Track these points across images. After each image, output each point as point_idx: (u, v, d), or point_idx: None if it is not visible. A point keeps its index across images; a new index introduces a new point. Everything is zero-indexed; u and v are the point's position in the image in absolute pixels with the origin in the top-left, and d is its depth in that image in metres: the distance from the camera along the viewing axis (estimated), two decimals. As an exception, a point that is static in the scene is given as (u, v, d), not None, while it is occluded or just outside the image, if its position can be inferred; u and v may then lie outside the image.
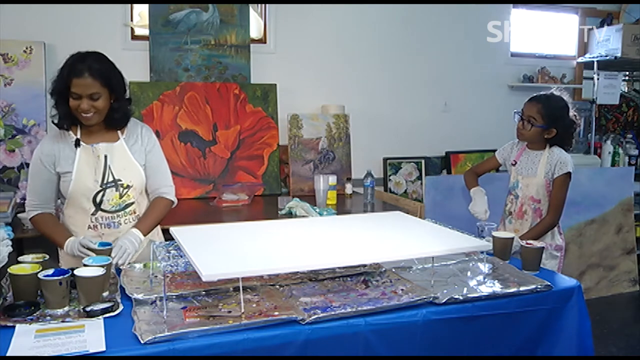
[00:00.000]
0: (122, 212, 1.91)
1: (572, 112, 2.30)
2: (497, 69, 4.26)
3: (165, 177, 2.04)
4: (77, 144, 1.84)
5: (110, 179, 1.87)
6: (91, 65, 1.76)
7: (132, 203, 1.93)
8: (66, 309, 1.39)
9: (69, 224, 1.91)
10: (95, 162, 1.85)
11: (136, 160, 1.92)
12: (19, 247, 2.62)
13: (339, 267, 1.67)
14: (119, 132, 1.91)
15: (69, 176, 1.83)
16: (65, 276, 1.40)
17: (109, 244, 1.71)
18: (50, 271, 1.42)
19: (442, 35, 4.04)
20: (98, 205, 1.86)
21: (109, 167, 1.86)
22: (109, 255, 1.66)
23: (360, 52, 3.85)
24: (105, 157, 1.86)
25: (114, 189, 1.87)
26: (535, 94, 2.34)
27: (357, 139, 3.73)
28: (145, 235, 1.90)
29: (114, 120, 1.87)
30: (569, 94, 4.38)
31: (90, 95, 1.76)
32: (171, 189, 2.05)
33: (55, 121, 1.85)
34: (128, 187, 1.90)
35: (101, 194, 1.86)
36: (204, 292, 1.51)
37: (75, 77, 1.74)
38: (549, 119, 2.26)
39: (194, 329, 1.25)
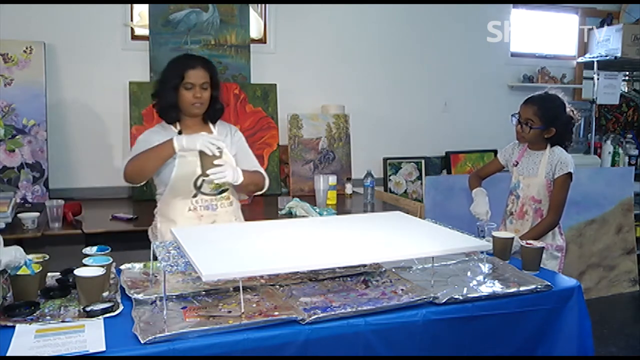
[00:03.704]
0: (219, 196, 2.09)
1: (568, 108, 2.30)
2: (497, 69, 4.26)
3: (255, 162, 2.21)
4: (179, 134, 2.03)
5: None
6: (202, 59, 2.08)
7: (227, 189, 2.11)
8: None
9: (169, 209, 2.06)
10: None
11: (228, 152, 2.07)
12: (20, 246, 2.62)
13: (339, 267, 1.67)
14: (211, 126, 2.14)
15: (172, 162, 2.00)
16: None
17: (107, 248, 1.71)
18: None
19: (442, 36, 4.04)
20: (198, 189, 2.05)
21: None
22: (109, 255, 1.66)
23: (360, 52, 3.85)
24: None
25: None
26: (529, 96, 2.34)
27: (357, 139, 3.72)
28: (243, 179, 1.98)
29: (216, 111, 2.12)
30: (568, 93, 4.42)
31: (202, 85, 2.02)
32: (262, 169, 2.19)
33: (164, 117, 2.07)
34: None
35: (201, 178, 2.01)
36: (204, 292, 1.51)
37: (191, 68, 2.01)
38: (547, 119, 2.26)
39: (194, 329, 1.25)
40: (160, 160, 1.94)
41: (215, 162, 1.87)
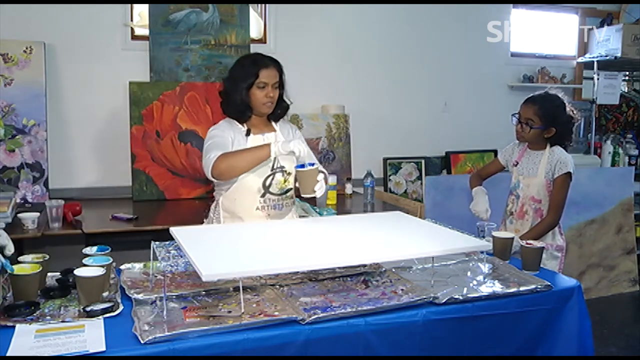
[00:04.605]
0: (285, 195, 2.11)
1: (568, 108, 2.30)
2: (497, 69, 4.26)
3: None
4: (247, 133, 2.08)
5: (277, 165, 2.07)
6: (272, 59, 2.09)
7: (291, 189, 2.14)
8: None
9: (235, 206, 2.08)
10: None
11: None
12: (19, 247, 2.62)
13: (339, 267, 1.67)
14: (274, 124, 2.17)
15: None
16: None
17: (107, 248, 1.71)
18: None
19: (442, 36, 4.04)
20: (267, 188, 2.06)
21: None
22: (109, 255, 1.66)
23: (360, 52, 3.85)
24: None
25: (280, 174, 2.07)
26: (530, 95, 2.35)
27: (357, 139, 3.72)
28: None
29: (283, 108, 2.15)
30: (568, 93, 4.42)
31: (273, 84, 2.05)
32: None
33: (233, 115, 2.09)
34: (289, 174, 2.10)
35: (271, 177, 2.06)
36: (204, 292, 1.51)
37: (264, 68, 2.03)
38: (547, 119, 2.26)
39: (194, 329, 1.25)
40: (256, 162, 1.93)
41: (318, 178, 1.89)
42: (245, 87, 2.03)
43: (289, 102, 2.17)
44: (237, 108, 2.07)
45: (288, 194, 2.12)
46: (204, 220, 2.23)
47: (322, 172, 2.15)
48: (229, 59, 3.46)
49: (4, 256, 1.42)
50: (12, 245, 1.55)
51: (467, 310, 1.49)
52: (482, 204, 2.37)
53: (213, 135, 2.06)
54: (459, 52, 4.10)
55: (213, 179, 2.00)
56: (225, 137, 2.04)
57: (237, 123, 2.10)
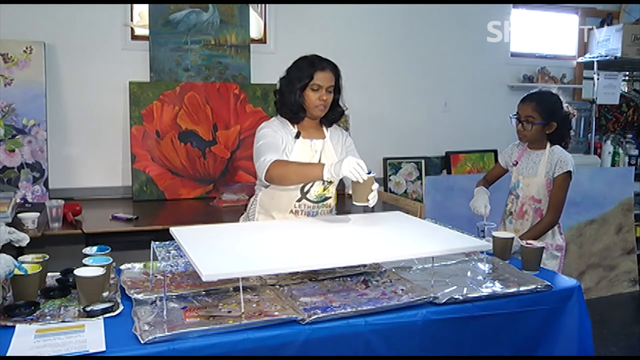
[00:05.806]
0: (322, 203, 2.08)
1: (564, 104, 2.31)
2: (497, 69, 4.26)
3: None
4: (297, 136, 2.05)
5: None
6: (330, 62, 2.05)
7: (330, 197, 2.12)
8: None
9: (271, 204, 2.07)
10: (311, 155, 2.05)
11: (337, 158, 2.07)
12: (19, 247, 2.62)
13: (339, 267, 1.67)
14: (324, 130, 2.13)
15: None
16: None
17: (107, 248, 1.71)
18: None
19: (442, 36, 4.04)
20: (305, 194, 2.03)
21: (320, 162, 2.01)
22: (109, 255, 1.66)
23: (360, 52, 3.84)
24: (320, 152, 2.06)
25: (321, 182, 2.02)
26: (526, 94, 2.35)
27: (357, 139, 3.67)
28: None
29: (335, 114, 2.11)
30: (568, 93, 4.43)
31: (327, 88, 2.01)
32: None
33: (286, 116, 2.06)
34: (330, 182, 2.04)
35: (310, 184, 2.01)
36: (204, 292, 1.51)
37: (320, 70, 2.00)
38: (547, 114, 2.26)
39: (194, 329, 1.25)
40: (307, 180, 1.93)
41: (373, 187, 1.84)
42: (299, 87, 2.01)
43: (344, 108, 2.13)
44: (291, 108, 2.04)
45: (326, 202, 2.09)
46: (241, 217, 2.23)
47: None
48: (229, 59, 3.47)
49: (20, 248, 1.43)
50: (26, 236, 1.62)
51: (467, 310, 1.49)
52: (480, 201, 2.36)
53: (265, 135, 2.02)
54: (459, 52, 4.10)
55: (264, 181, 1.96)
56: (277, 137, 2.01)
57: (289, 123, 2.08)
